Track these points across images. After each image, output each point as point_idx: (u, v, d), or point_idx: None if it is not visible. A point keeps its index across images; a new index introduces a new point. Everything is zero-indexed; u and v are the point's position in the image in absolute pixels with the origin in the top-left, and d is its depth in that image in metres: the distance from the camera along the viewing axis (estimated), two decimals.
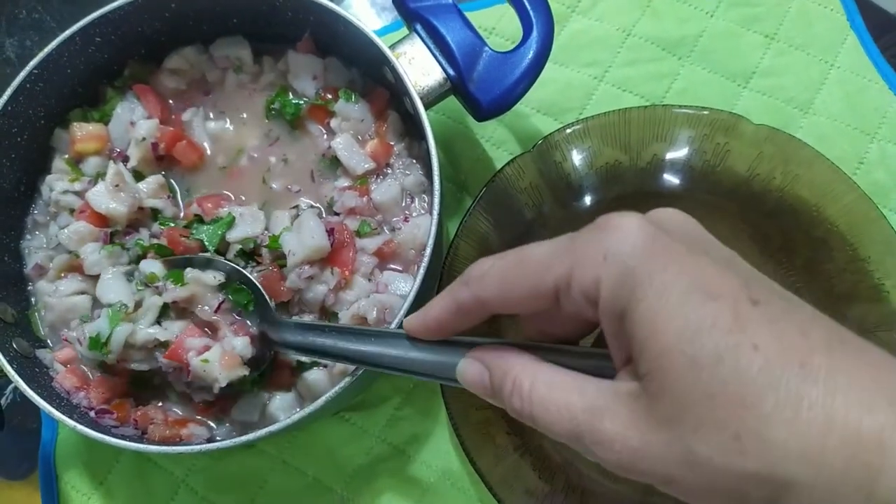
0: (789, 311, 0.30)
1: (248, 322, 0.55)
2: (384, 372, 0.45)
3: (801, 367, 0.27)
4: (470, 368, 0.39)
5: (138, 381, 0.58)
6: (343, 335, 0.48)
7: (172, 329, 0.54)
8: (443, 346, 0.41)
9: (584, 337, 0.40)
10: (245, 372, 0.53)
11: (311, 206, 0.62)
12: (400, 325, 0.44)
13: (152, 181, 0.61)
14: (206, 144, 0.64)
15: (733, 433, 0.27)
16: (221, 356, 0.52)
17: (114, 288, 0.55)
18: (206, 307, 0.55)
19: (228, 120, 0.65)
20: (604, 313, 0.32)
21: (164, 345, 0.53)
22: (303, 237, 0.56)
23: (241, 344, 0.53)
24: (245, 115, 0.65)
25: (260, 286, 0.55)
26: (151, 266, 0.56)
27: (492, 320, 0.39)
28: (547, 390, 0.34)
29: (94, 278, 0.58)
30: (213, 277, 0.55)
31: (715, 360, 0.28)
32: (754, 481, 0.28)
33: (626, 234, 0.32)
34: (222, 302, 0.55)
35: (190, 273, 0.55)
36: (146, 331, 0.53)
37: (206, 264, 0.56)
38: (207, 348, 0.53)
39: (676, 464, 0.29)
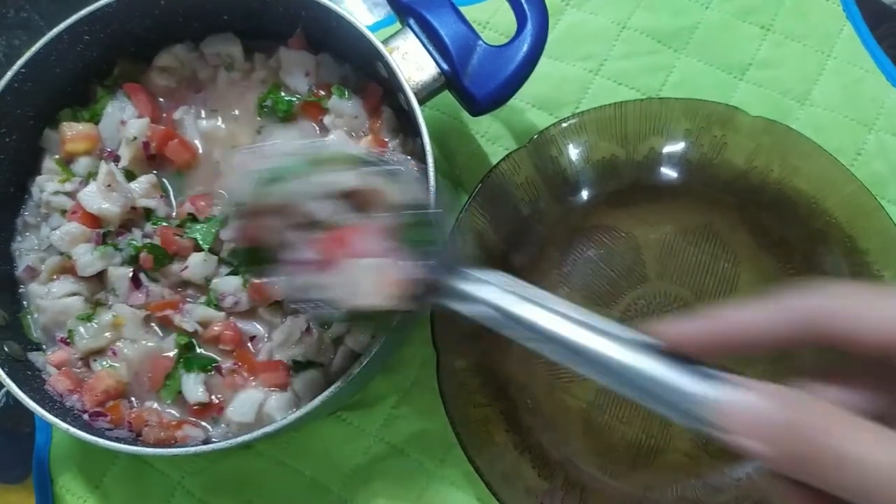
0: None
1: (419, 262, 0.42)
2: (593, 377, 0.35)
3: None
4: (743, 399, 0.30)
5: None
6: (556, 313, 0.37)
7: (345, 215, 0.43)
8: (692, 366, 0.32)
9: None
10: (399, 307, 0.41)
11: None
12: None
13: (144, 181, 0.60)
14: (197, 143, 0.63)
15: None
16: (380, 271, 0.41)
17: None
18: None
19: (220, 118, 0.64)
20: None
21: (320, 225, 0.43)
22: None
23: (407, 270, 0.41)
24: (237, 113, 0.64)
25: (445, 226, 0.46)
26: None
27: None
28: (859, 441, 0.27)
29: (87, 280, 0.58)
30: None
31: None
32: None
33: None
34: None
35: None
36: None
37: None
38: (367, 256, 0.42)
39: None
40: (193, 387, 0.56)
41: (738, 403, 0.30)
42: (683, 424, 0.32)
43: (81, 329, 0.57)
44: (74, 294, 0.58)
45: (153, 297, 0.58)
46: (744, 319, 0.32)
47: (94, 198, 0.58)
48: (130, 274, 0.58)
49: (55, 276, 0.59)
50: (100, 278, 0.59)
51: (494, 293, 0.39)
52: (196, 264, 0.58)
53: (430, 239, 0.42)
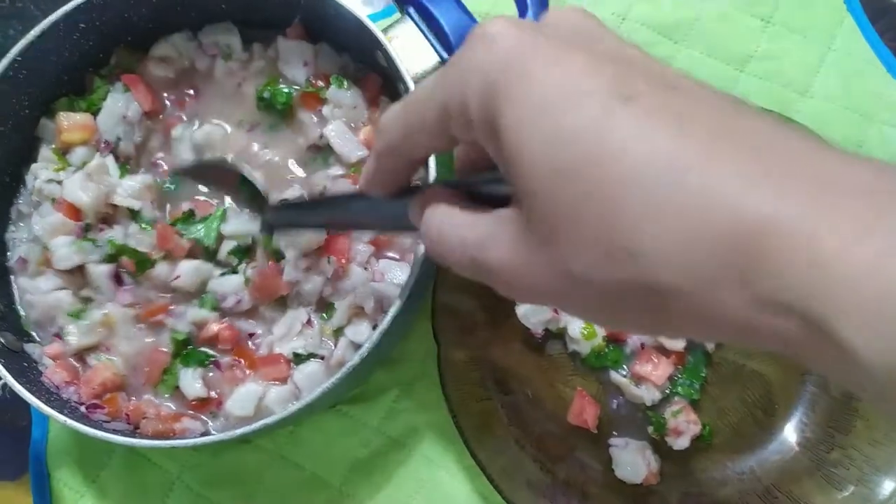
0: (669, 103, 0.25)
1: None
2: (358, 230, 0.51)
3: (671, 162, 0.24)
4: (413, 217, 0.36)
5: None
6: (315, 205, 0.51)
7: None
8: (398, 197, 0.39)
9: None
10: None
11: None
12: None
13: (139, 180, 0.59)
14: (191, 155, 0.62)
15: (605, 249, 0.25)
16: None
17: None
18: None
19: (216, 121, 0.63)
20: (479, 137, 0.29)
21: None
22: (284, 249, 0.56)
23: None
24: (234, 112, 0.63)
25: (258, 185, 0.59)
26: None
27: None
28: (448, 229, 0.33)
29: (70, 274, 0.57)
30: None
31: (575, 172, 0.25)
32: (632, 293, 0.25)
33: (491, 42, 0.28)
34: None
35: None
36: None
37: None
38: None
39: (560, 284, 0.27)
40: (191, 382, 0.56)
41: (410, 215, 0.36)
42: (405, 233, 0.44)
43: (72, 327, 0.56)
44: (62, 289, 0.57)
45: (139, 297, 0.58)
46: (368, 169, 0.38)
47: (74, 186, 0.57)
48: (111, 272, 0.57)
49: (42, 268, 0.58)
50: (82, 274, 0.58)
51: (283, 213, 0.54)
52: (188, 272, 0.57)
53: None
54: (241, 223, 0.58)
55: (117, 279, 0.58)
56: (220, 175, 0.61)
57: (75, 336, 0.56)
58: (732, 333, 0.25)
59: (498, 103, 0.27)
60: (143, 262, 0.57)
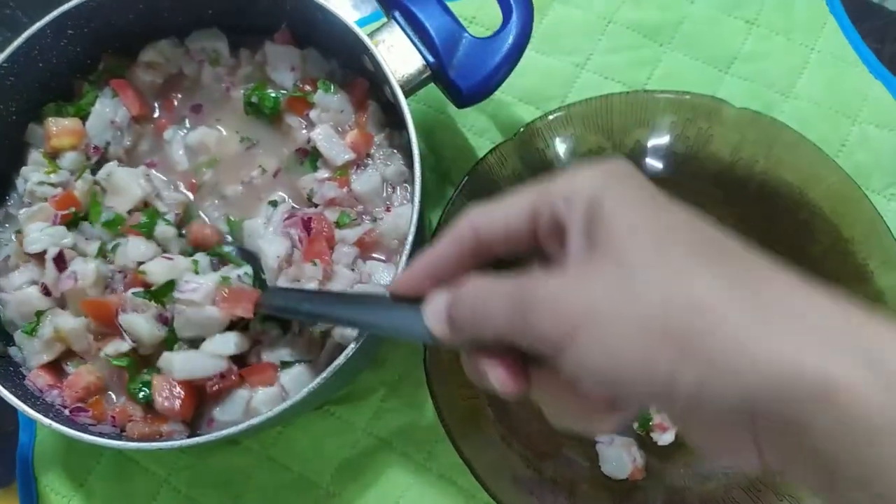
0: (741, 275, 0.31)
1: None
2: (361, 329, 0.49)
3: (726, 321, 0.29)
4: (433, 300, 0.38)
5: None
6: (324, 300, 0.50)
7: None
8: (413, 302, 0.40)
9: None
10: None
11: (284, 203, 0.61)
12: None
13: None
14: (183, 157, 0.63)
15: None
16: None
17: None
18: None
19: (205, 127, 0.63)
20: (581, 212, 0.33)
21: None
22: (266, 257, 0.56)
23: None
24: (222, 118, 0.64)
25: (259, 257, 0.57)
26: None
27: None
28: (489, 289, 0.34)
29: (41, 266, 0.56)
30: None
31: (675, 243, 0.30)
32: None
33: (621, 162, 0.34)
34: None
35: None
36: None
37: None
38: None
39: (608, 297, 0.30)
40: (161, 402, 0.53)
41: (428, 305, 0.38)
42: (426, 342, 0.41)
43: (25, 342, 0.55)
44: (33, 283, 0.56)
45: (84, 280, 0.54)
46: (433, 255, 0.39)
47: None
48: (55, 254, 0.55)
49: (20, 263, 0.57)
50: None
51: (285, 297, 0.53)
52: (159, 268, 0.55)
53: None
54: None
55: (59, 262, 0.55)
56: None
57: (35, 354, 0.55)
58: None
59: (602, 195, 0.32)
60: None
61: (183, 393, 0.53)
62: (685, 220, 0.32)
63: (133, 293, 0.54)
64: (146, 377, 0.54)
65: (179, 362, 0.52)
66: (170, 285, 0.53)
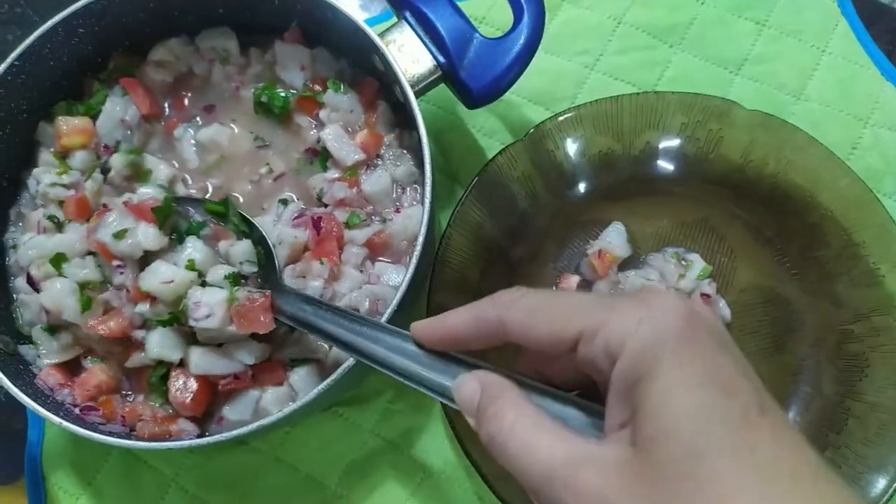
0: (788, 429, 0.31)
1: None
2: (372, 366, 0.44)
3: (784, 477, 0.29)
4: (467, 385, 0.38)
5: None
6: (341, 318, 0.47)
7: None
8: (441, 358, 0.40)
9: (573, 389, 0.39)
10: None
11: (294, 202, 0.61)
12: (391, 321, 0.43)
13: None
14: (194, 155, 0.63)
15: None
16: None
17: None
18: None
19: (217, 124, 0.63)
20: (619, 374, 0.32)
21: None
22: (280, 248, 0.56)
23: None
24: (233, 116, 0.64)
25: (268, 239, 0.54)
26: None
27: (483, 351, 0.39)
28: (529, 429, 0.34)
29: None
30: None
31: (716, 452, 0.29)
32: None
33: (666, 309, 0.32)
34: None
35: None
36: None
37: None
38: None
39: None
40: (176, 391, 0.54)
41: (461, 380, 0.38)
42: (437, 399, 0.39)
43: (43, 339, 0.55)
44: None
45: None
46: (453, 322, 0.39)
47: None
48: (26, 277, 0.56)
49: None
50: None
51: (303, 308, 0.50)
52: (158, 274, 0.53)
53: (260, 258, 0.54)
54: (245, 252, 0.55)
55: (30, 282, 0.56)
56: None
57: (48, 357, 0.55)
58: None
59: (658, 361, 0.31)
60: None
61: (196, 386, 0.53)
62: (726, 407, 0.30)
63: (147, 319, 0.53)
64: (163, 368, 0.55)
65: (197, 358, 0.53)
66: (181, 305, 0.52)
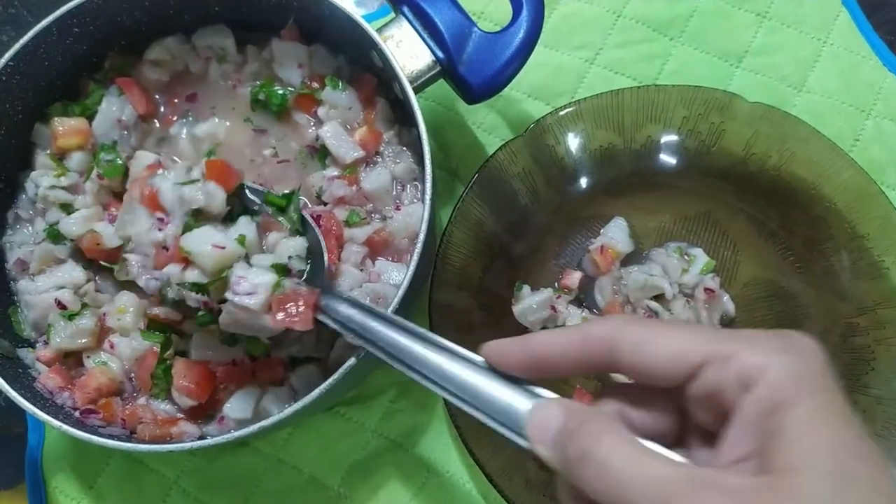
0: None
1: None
2: (424, 382, 0.40)
3: None
4: (547, 410, 0.34)
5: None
6: (394, 328, 0.43)
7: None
8: (512, 382, 0.37)
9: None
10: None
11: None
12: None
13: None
14: (191, 151, 0.62)
15: None
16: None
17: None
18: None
19: (215, 120, 0.63)
20: (755, 400, 0.31)
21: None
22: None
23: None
24: (230, 112, 0.63)
25: (322, 242, 0.51)
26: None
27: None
28: (636, 447, 0.31)
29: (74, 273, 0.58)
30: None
31: (853, 481, 0.28)
32: None
33: (810, 349, 0.32)
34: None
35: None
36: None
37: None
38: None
39: None
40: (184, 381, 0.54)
41: (535, 415, 0.35)
42: (507, 436, 0.36)
43: (61, 323, 0.55)
44: (61, 287, 0.57)
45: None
46: (549, 344, 0.35)
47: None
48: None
49: (44, 268, 0.58)
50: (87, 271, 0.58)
51: (355, 312, 0.46)
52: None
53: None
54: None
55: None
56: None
57: (60, 337, 0.55)
58: None
59: (802, 389, 0.30)
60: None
61: (199, 371, 0.54)
62: (865, 450, 0.30)
63: (165, 286, 0.50)
64: (168, 362, 0.55)
65: (197, 342, 0.54)
66: (221, 275, 0.48)
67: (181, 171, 0.51)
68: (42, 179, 0.59)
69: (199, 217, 0.50)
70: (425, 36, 0.57)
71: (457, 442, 0.57)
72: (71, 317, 0.56)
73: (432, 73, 0.57)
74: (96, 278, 0.59)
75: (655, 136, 0.66)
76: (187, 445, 0.50)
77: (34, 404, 0.50)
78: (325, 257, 0.52)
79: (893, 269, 0.61)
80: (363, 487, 0.62)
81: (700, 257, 0.64)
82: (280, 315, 0.47)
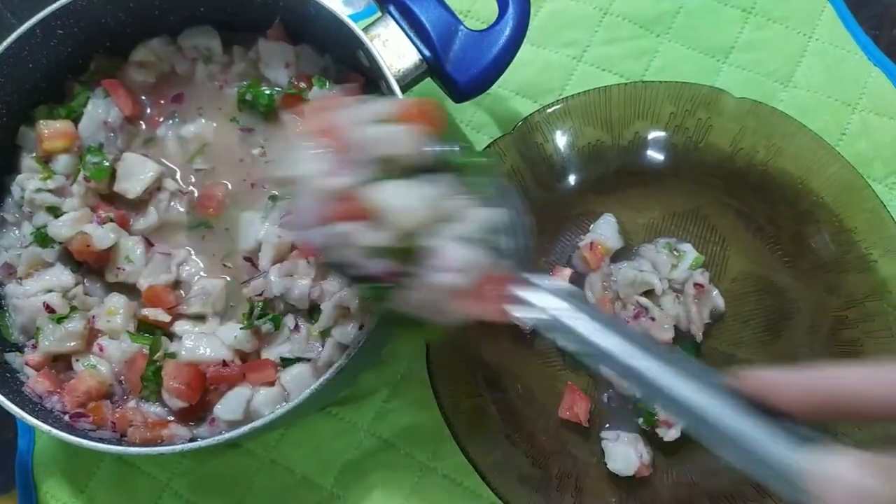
0: None
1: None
2: (663, 404, 0.33)
3: None
4: (835, 466, 0.27)
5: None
6: (621, 336, 0.36)
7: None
8: (777, 421, 0.30)
9: None
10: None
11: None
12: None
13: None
14: (178, 152, 0.62)
15: None
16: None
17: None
18: None
19: (202, 121, 0.63)
20: None
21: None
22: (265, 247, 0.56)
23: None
24: (217, 113, 0.63)
25: (527, 218, 0.41)
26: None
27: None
28: None
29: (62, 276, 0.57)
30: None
31: None
32: None
33: None
34: None
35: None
36: None
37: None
38: None
39: None
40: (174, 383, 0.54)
41: (831, 473, 0.28)
42: (767, 482, 0.30)
43: (49, 327, 0.55)
44: (50, 291, 0.56)
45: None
46: (857, 381, 0.28)
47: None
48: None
49: (32, 271, 0.57)
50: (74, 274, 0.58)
51: (567, 311, 0.38)
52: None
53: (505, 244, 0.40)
54: None
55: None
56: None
57: (49, 340, 0.55)
58: None
59: None
60: None
61: (189, 372, 0.53)
62: None
63: (358, 244, 0.39)
64: (158, 364, 0.55)
65: (188, 342, 0.54)
66: (412, 241, 0.38)
67: (373, 107, 0.41)
68: (28, 183, 0.59)
69: (387, 166, 0.39)
70: (412, 35, 0.57)
71: (449, 441, 0.57)
72: (59, 320, 0.55)
73: (419, 71, 0.57)
74: (84, 281, 0.59)
75: (643, 132, 0.67)
76: (178, 448, 0.50)
77: (23, 409, 0.50)
78: (526, 236, 0.42)
79: (881, 261, 0.61)
80: (356, 487, 0.62)
81: (689, 253, 0.64)
82: (477, 301, 0.39)
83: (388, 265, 0.38)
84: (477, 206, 0.40)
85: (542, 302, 0.39)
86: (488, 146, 0.65)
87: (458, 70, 0.57)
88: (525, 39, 0.58)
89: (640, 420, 0.59)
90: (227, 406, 0.54)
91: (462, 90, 0.57)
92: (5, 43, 0.56)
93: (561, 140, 0.66)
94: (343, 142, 0.39)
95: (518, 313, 0.39)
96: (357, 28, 0.55)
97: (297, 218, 0.41)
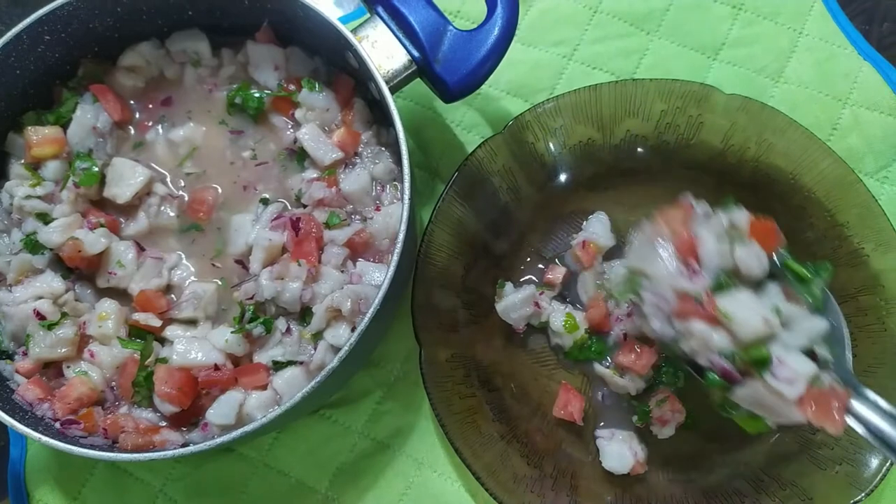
0: None
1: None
2: None
3: None
4: None
5: None
6: None
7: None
8: None
9: None
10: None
11: (277, 201, 0.60)
12: None
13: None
14: (168, 156, 0.62)
15: None
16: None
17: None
18: None
19: (191, 125, 0.62)
20: None
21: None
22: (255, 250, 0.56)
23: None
24: (206, 116, 0.63)
25: (845, 326, 0.47)
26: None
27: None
28: None
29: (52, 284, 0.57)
30: None
31: None
32: None
33: None
34: None
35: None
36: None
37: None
38: None
39: None
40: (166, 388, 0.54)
41: None
42: None
43: (40, 333, 0.55)
44: (40, 297, 0.56)
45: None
46: None
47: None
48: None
49: (22, 278, 0.57)
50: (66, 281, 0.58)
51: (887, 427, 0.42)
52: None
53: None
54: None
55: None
56: None
57: (38, 347, 0.55)
58: None
59: None
60: None
61: (180, 377, 0.53)
62: None
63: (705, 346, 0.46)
64: (150, 369, 0.55)
65: (179, 347, 0.54)
66: (756, 352, 0.45)
67: (719, 221, 0.48)
68: (17, 189, 0.58)
69: (732, 277, 0.47)
70: (400, 35, 0.57)
71: (443, 441, 0.57)
72: (50, 326, 0.55)
73: (408, 72, 0.57)
74: (75, 287, 0.58)
75: (634, 130, 0.66)
76: (170, 453, 0.50)
77: (13, 417, 0.50)
78: (848, 347, 0.48)
79: (873, 255, 0.61)
80: (351, 489, 0.62)
81: None
82: (812, 410, 0.44)
83: (731, 366, 0.45)
84: (808, 315, 0.47)
85: (869, 419, 0.44)
86: (479, 146, 0.65)
87: (448, 70, 0.56)
88: (515, 38, 0.57)
89: (635, 418, 0.59)
90: (220, 410, 0.54)
91: (452, 90, 0.57)
92: None
93: (552, 139, 0.66)
94: (695, 249, 0.47)
95: (854, 425, 0.44)
96: (345, 30, 0.55)
97: (651, 309, 0.47)
